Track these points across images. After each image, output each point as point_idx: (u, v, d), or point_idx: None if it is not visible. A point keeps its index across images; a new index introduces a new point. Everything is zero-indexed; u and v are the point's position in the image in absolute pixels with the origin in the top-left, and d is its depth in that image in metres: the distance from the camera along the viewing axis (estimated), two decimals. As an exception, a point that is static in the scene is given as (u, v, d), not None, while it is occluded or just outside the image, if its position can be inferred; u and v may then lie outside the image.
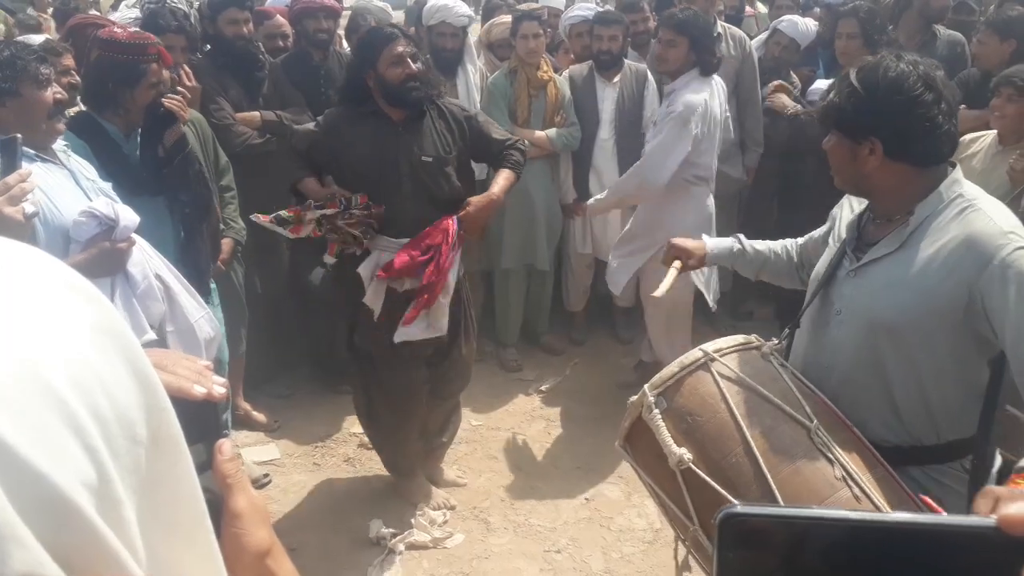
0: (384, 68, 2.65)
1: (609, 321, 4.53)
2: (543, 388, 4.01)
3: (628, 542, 2.99)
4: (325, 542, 2.95)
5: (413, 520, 3.02)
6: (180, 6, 4.07)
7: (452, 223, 2.74)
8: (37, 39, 3.11)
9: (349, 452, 3.49)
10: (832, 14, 4.15)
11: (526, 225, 4.01)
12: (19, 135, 1.82)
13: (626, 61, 4.01)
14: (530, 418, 3.78)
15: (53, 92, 2.14)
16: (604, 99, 3.98)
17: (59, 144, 2.28)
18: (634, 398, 1.68)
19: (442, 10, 3.92)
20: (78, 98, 2.96)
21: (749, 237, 2.16)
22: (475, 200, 2.80)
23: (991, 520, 0.41)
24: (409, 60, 2.66)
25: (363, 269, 2.75)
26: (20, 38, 3.38)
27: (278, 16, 4.00)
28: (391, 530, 2.98)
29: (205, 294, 2.97)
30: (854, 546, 0.43)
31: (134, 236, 2.19)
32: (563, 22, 4.35)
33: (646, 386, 1.66)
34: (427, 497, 3.12)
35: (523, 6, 4.15)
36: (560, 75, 4.06)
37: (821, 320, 1.75)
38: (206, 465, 0.63)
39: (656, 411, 1.60)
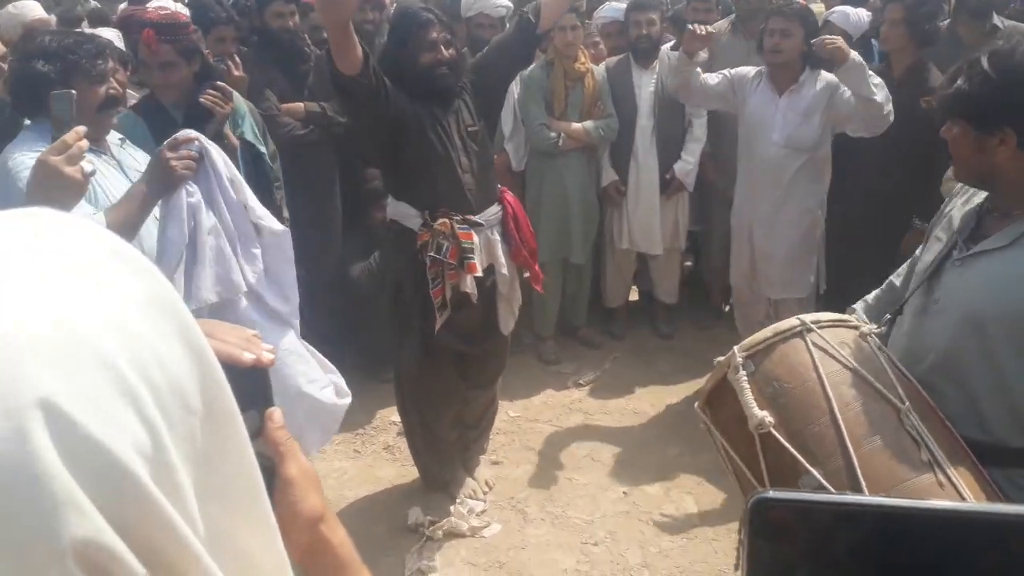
0: (416, 53, 2.65)
1: (650, 316, 4.49)
2: (582, 381, 3.99)
3: (666, 536, 2.97)
4: (364, 528, 2.98)
5: (452, 508, 3.04)
6: None
7: (508, 195, 2.85)
8: (109, 33, 3.18)
9: (389, 440, 3.52)
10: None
11: (561, 218, 4.00)
12: (74, 91, 1.80)
13: (664, 48, 3.97)
14: (568, 411, 3.77)
15: (107, 87, 2.14)
16: (641, 86, 3.95)
17: (114, 136, 2.33)
18: (721, 358, 1.66)
19: (480, 1, 3.93)
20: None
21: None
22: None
23: None
24: (442, 46, 2.66)
25: (483, 254, 2.73)
26: (90, 31, 3.46)
27: (323, 8, 4.03)
28: (429, 518, 3.00)
29: None
30: (891, 534, 0.41)
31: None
32: (594, 21, 4.32)
33: (736, 347, 1.64)
34: (461, 486, 3.13)
35: None
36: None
37: (921, 308, 1.70)
38: (258, 432, 0.64)
39: (743, 372, 1.58)
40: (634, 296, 4.60)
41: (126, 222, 1.89)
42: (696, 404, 1.75)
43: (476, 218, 2.72)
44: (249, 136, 3.01)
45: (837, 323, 1.66)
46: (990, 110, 1.52)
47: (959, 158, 1.62)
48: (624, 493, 3.20)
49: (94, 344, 0.37)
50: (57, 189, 1.62)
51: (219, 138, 2.79)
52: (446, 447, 3.11)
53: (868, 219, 3.49)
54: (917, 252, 1.88)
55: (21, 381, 0.34)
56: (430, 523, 2.98)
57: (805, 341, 1.59)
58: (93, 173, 1.75)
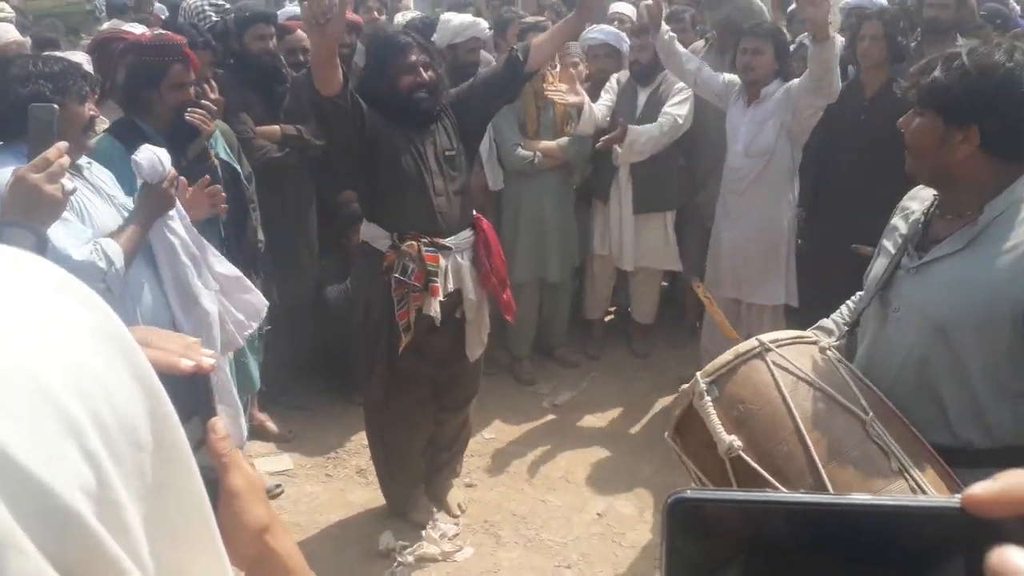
0: (395, 76, 2.66)
1: (626, 335, 4.51)
2: (557, 402, 3.99)
3: (640, 559, 2.96)
4: (336, 553, 2.96)
5: (423, 533, 3.02)
6: (209, 12, 4.16)
7: (483, 221, 2.85)
8: (78, 57, 3.19)
9: (362, 463, 3.49)
10: (856, 19, 4.09)
11: (539, 238, 4.01)
12: (56, 106, 1.74)
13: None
14: (544, 431, 3.76)
15: (88, 108, 2.16)
16: (640, 105, 3.99)
17: (82, 159, 2.33)
18: (686, 386, 1.66)
19: (471, 27, 3.97)
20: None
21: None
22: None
23: (955, 500, 0.39)
24: (421, 69, 2.67)
25: (449, 278, 2.73)
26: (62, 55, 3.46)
27: (299, 31, 4.05)
28: (401, 542, 2.98)
29: None
30: (815, 530, 0.41)
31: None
32: (581, 41, 4.36)
33: (698, 373, 1.64)
34: (423, 514, 3.10)
35: (530, 19, 4.16)
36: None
37: (879, 318, 1.71)
38: (200, 442, 0.62)
39: (708, 398, 1.59)
40: (610, 316, 4.62)
41: (135, 249, 2.05)
42: (666, 434, 1.75)
43: (445, 242, 2.72)
44: (223, 155, 3.02)
45: (796, 340, 1.67)
46: (963, 104, 1.51)
47: (918, 149, 1.61)
48: (598, 515, 3.19)
49: (39, 379, 0.37)
50: (36, 207, 1.59)
51: (204, 156, 2.80)
52: (412, 474, 3.09)
53: (843, 236, 3.53)
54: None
55: None
56: (402, 548, 2.95)
57: (766, 361, 1.59)
58: (74, 191, 1.74)
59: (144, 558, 0.40)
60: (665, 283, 4.56)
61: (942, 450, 1.56)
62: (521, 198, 4.01)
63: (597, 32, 4.26)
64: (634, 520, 3.16)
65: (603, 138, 3.80)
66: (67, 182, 1.65)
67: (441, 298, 2.67)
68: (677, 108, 3.86)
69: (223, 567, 0.50)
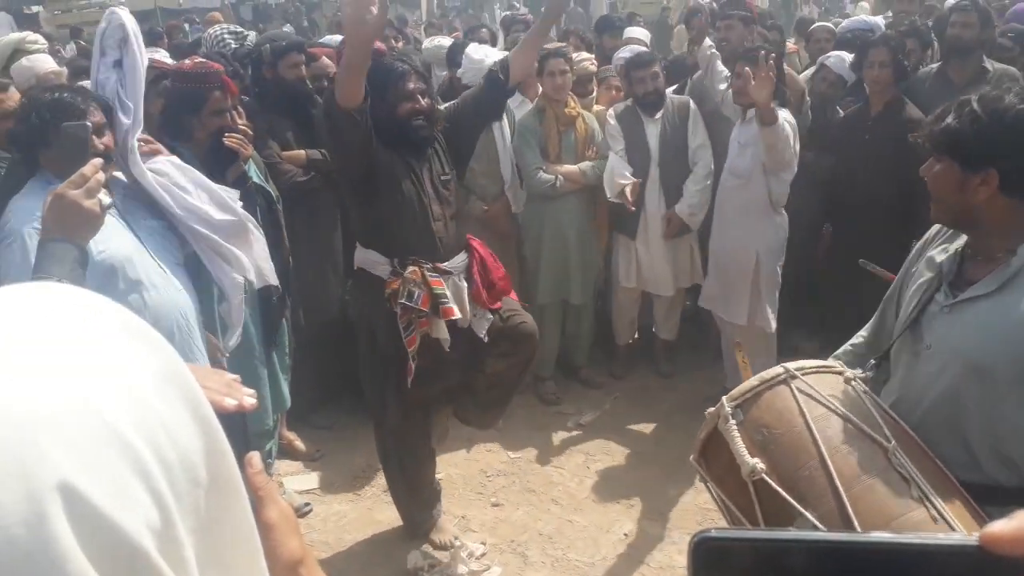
0: (394, 102, 2.67)
1: (650, 355, 4.50)
2: (582, 421, 3.99)
3: (668, 579, 2.94)
4: (364, 572, 2.97)
5: (451, 552, 3.02)
6: (228, 39, 4.27)
7: (475, 241, 2.86)
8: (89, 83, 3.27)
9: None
10: (861, 42, 4.12)
11: (561, 260, 4.03)
12: (89, 123, 1.77)
13: (668, 94, 4.05)
14: (569, 451, 3.76)
15: (102, 139, 2.13)
16: (650, 136, 4.00)
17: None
18: (711, 409, 1.69)
19: (488, 58, 4.02)
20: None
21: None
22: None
23: (974, 539, 0.39)
24: (419, 96, 2.69)
25: (453, 303, 2.71)
26: (79, 84, 3.55)
27: (324, 58, 4.14)
28: (429, 561, 2.98)
29: (279, 319, 3.17)
30: (838, 568, 0.42)
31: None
32: (615, 61, 4.41)
33: (724, 398, 1.67)
34: (447, 536, 3.09)
35: (551, 45, 4.19)
36: (605, 110, 4.12)
37: (910, 353, 1.72)
38: None
39: (732, 422, 1.61)
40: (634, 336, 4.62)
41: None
42: (691, 456, 1.77)
43: (444, 266, 2.73)
44: (255, 179, 3.09)
45: (821, 369, 1.69)
46: (977, 150, 1.54)
47: (939, 196, 1.63)
48: (625, 535, 3.18)
49: (109, 421, 0.38)
50: (76, 222, 1.61)
51: (243, 180, 2.86)
52: (429, 495, 3.10)
53: (855, 252, 3.55)
54: (887, 296, 1.90)
55: (40, 463, 0.35)
56: (430, 567, 2.96)
57: (790, 388, 1.62)
58: (111, 206, 1.75)
59: None
60: (688, 302, 4.56)
61: (971, 487, 1.56)
62: (544, 221, 4.03)
63: (627, 51, 4.31)
64: (661, 542, 3.14)
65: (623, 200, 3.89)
66: (104, 197, 1.67)
67: (457, 316, 2.68)
68: (703, 155, 3.97)
69: None
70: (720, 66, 3.84)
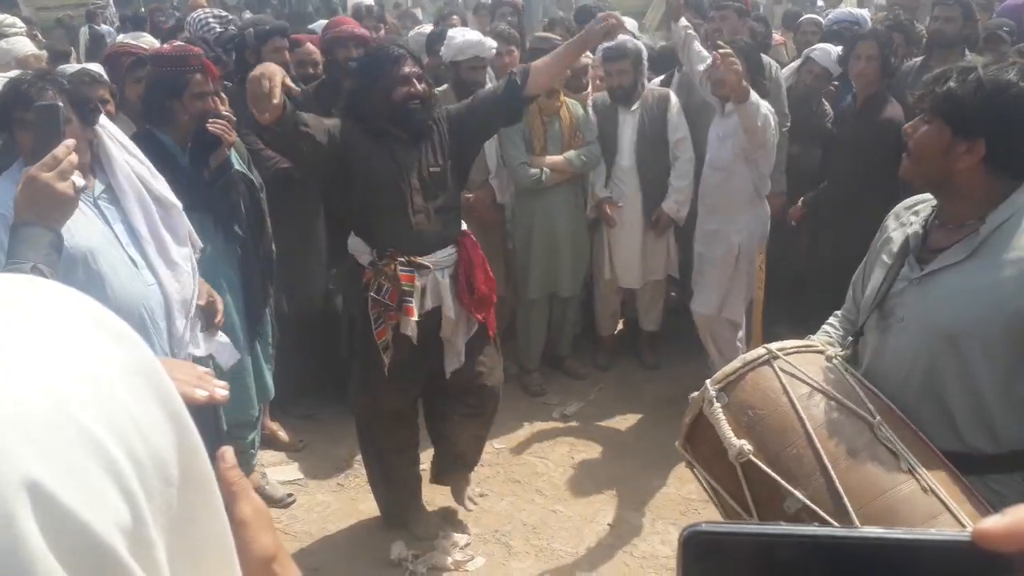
0: (389, 87, 2.65)
1: (635, 346, 4.51)
2: (567, 412, 3.99)
3: (651, 569, 2.95)
4: (347, 563, 2.96)
5: (435, 543, 3.02)
6: (213, 23, 4.22)
7: (467, 240, 2.82)
8: (70, 68, 3.22)
9: (372, 473, 3.50)
10: (850, 36, 4.13)
11: (551, 253, 4.02)
12: (60, 103, 1.72)
13: (648, 85, 4.04)
14: (553, 442, 3.76)
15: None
16: (624, 125, 4.00)
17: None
18: (696, 393, 1.69)
19: (475, 45, 3.97)
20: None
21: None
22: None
23: (966, 534, 0.39)
24: (415, 80, 2.67)
25: (428, 296, 2.71)
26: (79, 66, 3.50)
27: (308, 44, 4.10)
28: (413, 551, 2.97)
29: (262, 308, 3.08)
30: (828, 562, 0.41)
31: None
32: (599, 51, 4.39)
33: (708, 381, 1.67)
34: (423, 524, 3.09)
35: (541, 35, 4.16)
36: (586, 101, 4.10)
37: (881, 329, 1.73)
38: None
39: (717, 405, 1.61)
40: (619, 327, 4.62)
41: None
42: (677, 442, 1.77)
43: (424, 259, 2.69)
44: (238, 166, 3.05)
45: (802, 349, 1.70)
46: (973, 117, 1.54)
47: (921, 156, 1.63)
48: (609, 525, 3.19)
49: (78, 418, 0.37)
50: (49, 206, 1.57)
51: (228, 166, 2.82)
52: (409, 486, 3.09)
53: (839, 241, 3.58)
54: (854, 278, 1.93)
55: (6, 461, 0.34)
56: (413, 557, 2.95)
57: (773, 368, 1.62)
58: (84, 188, 1.71)
59: None
60: (674, 293, 4.57)
61: (950, 456, 1.58)
62: (533, 215, 4.00)
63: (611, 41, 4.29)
64: (645, 531, 3.15)
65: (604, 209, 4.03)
66: (78, 179, 1.62)
67: (415, 318, 2.66)
68: (684, 148, 3.98)
69: None
70: (698, 46, 3.76)
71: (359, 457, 3.60)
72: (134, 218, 2.11)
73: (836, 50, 4.14)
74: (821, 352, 1.70)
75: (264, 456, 3.54)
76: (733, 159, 3.57)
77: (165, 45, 2.90)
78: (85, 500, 0.36)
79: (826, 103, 4.24)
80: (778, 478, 1.51)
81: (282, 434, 3.69)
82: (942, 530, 0.42)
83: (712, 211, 3.75)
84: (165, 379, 0.44)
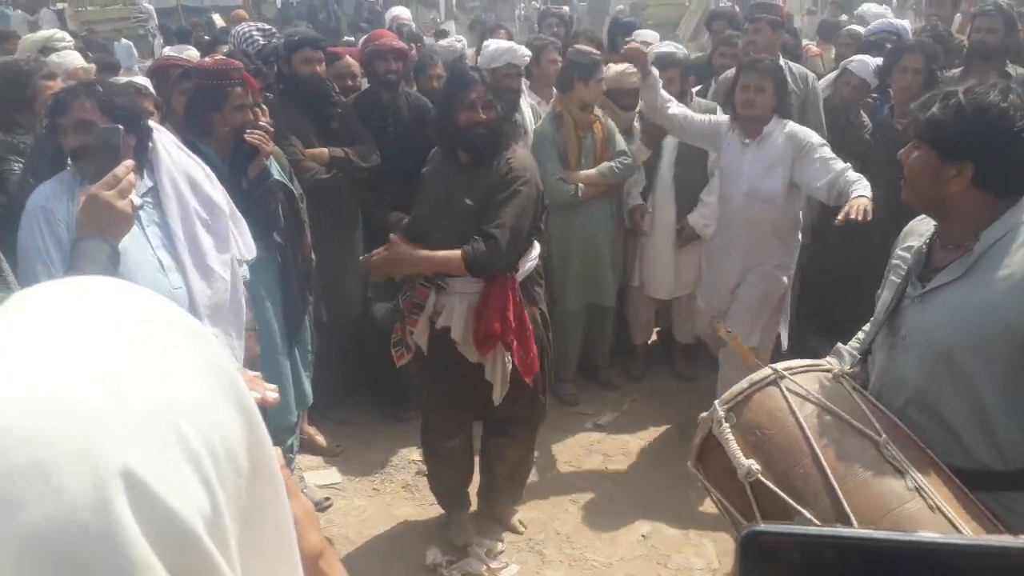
0: (457, 111, 2.74)
1: (669, 357, 4.50)
2: (600, 422, 4.00)
3: (685, 580, 2.95)
4: (383, 567, 2.99)
5: (470, 550, 3.04)
6: (257, 37, 4.31)
7: (509, 282, 2.77)
8: (141, 80, 3.32)
9: (408, 479, 3.54)
10: (894, 48, 4.08)
11: (592, 264, 4.02)
12: (121, 126, 1.81)
13: (696, 99, 4.05)
14: (587, 452, 3.77)
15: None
16: (666, 139, 4.01)
17: None
18: (705, 414, 1.72)
19: (508, 52, 4.04)
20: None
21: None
22: (396, 251, 2.74)
23: (1020, 541, 0.41)
24: (480, 107, 2.72)
25: (441, 316, 2.79)
26: (126, 79, 3.60)
27: (348, 57, 4.17)
28: (448, 557, 3.00)
29: (301, 316, 3.15)
30: (882, 566, 0.43)
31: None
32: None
33: (716, 401, 1.70)
34: (466, 538, 3.11)
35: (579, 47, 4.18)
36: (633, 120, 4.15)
37: (888, 346, 1.76)
38: None
39: (726, 425, 1.65)
40: (653, 337, 4.62)
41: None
42: (689, 462, 1.80)
43: (446, 281, 2.77)
44: (277, 175, 3.10)
45: (809, 368, 1.72)
46: (957, 141, 1.59)
47: (914, 181, 1.68)
48: (643, 536, 3.18)
49: (165, 413, 0.40)
50: (109, 222, 1.67)
51: (265, 176, 2.89)
52: (451, 491, 3.16)
53: (864, 253, 3.53)
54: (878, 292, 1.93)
55: (104, 452, 0.37)
56: (448, 563, 2.98)
57: (780, 388, 1.65)
58: (141, 206, 1.81)
59: (238, 573, 0.43)
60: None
61: (961, 473, 1.58)
62: (571, 229, 3.97)
63: (663, 46, 4.32)
64: (679, 543, 3.14)
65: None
66: (135, 197, 1.72)
67: (413, 331, 2.82)
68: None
69: None
70: (664, 94, 3.60)
71: (395, 462, 3.66)
72: (172, 221, 2.14)
73: (874, 62, 4.11)
74: (828, 371, 1.72)
75: (302, 460, 3.60)
76: (783, 186, 3.35)
77: (207, 59, 2.97)
78: (172, 488, 0.39)
79: (864, 115, 4.21)
80: (786, 497, 1.54)
81: (320, 439, 3.75)
82: (998, 537, 0.44)
83: (752, 247, 3.46)
84: (236, 377, 0.47)
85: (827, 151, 3.26)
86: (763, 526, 0.45)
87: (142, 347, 0.43)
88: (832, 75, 4.45)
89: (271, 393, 0.76)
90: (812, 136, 3.33)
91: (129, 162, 1.72)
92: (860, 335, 2.01)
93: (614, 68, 4.10)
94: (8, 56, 3.89)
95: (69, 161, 2.13)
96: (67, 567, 0.35)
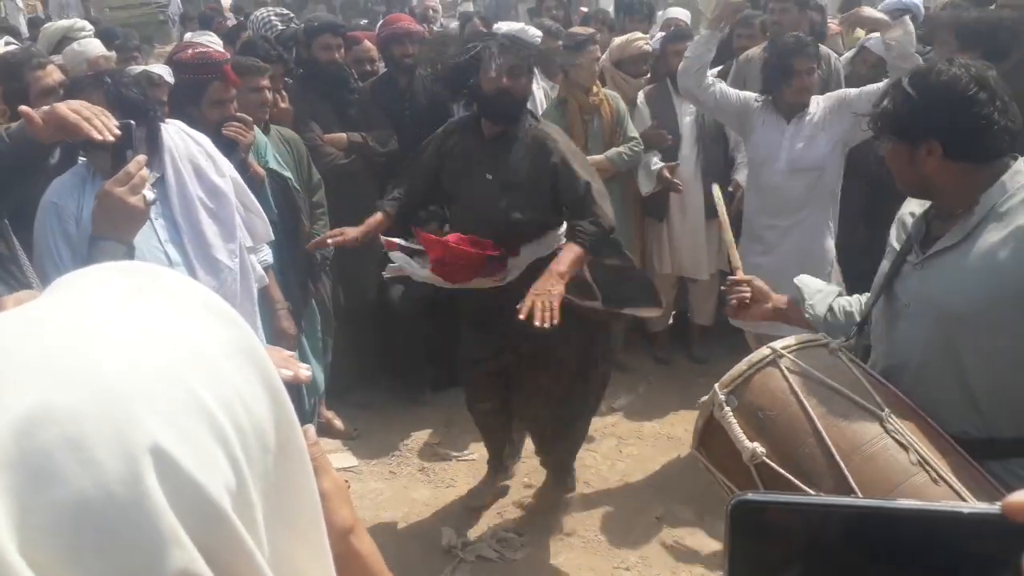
0: (482, 77, 2.64)
1: (685, 340, 4.50)
2: (615, 405, 4.01)
3: (700, 563, 2.97)
4: (398, 549, 3.04)
5: (485, 531, 3.08)
6: (275, 21, 4.33)
7: (501, 267, 2.73)
8: (160, 69, 3.33)
9: (424, 462, 3.58)
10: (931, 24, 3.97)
11: None
12: (132, 122, 1.80)
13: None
14: (601, 435, 3.79)
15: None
16: (683, 115, 3.99)
17: None
18: (705, 398, 1.73)
19: (518, 33, 4.02)
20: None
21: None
22: (539, 286, 2.48)
23: (996, 507, 0.41)
24: (506, 74, 2.61)
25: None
26: (142, 68, 3.62)
27: (366, 41, 4.18)
28: (462, 540, 3.04)
29: (302, 306, 3.14)
30: (868, 533, 0.43)
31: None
32: (653, 42, 4.38)
33: (716, 385, 1.70)
34: (479, 499, 3.20)
35: (580, 30, 4.14)
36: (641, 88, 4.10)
37: (890, 316, 1.75)
38: None
39: (727, 408, 1.64)
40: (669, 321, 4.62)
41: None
42: (691, 447, 1.81)
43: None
44: (273, 164, 3.08)
45: (806, 344, 1.72)
46: (913, 125, 1.64)
47: (896, 171, 1.72)
48: (657, 518, 3.20)
49: (193, 391, 0.42)
50: (122, 219, 1.69)
51: (243, 169, 2.86)
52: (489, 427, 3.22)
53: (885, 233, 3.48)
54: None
55: (134, 427, 0.39)
56: (463, 545, 3.02)
57: (779, 367, 1.65)
58: (154, 201, 1.81)
59: (265, 550, 0.45)
60: (724, 286, 4.53)
61: (971, 443, 1.59)
62: None
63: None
64: (693, 524, 3.16)
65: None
66: (148, 193, 1.73)
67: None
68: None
69: (327, 558, 0.55)
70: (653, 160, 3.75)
71: (412, 445, 3.71)
72: (176, 213, 2.14)
73: None
74: (825, 345, 1.72)
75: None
76: (829, 152, 3.27)
77: (188, 51, 2.91)
78: (199, 464, 0.41)
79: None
80: (792, 478, 1.54)
81: (337, 422, 3.80)
82: (975, 504, 0.45)
83: (794, 226, 3.36)
84: (265, 357, 0.49)
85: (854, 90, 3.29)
86: (751, 495, 0.46)
87: (173, 327, 0.45)
88: (850, 53, 4.38)
89: (304, 371, 0.79)
90: (849, 91, 3.35)
91: (141, 157, 1.73)
92: (845, 300, 2.00)
93: (619, 39, 4.08)
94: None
95: (82, 154, 2.15)
96: (100, 537, 0.37)
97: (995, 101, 1.58)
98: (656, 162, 3.93)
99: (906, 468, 1.50)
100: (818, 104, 3.34)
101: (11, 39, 4.04)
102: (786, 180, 3.34)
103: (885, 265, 1.82)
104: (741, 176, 3.93)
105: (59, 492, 0.37)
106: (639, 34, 4.38)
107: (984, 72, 1.61)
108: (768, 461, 1.57)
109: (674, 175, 3.86)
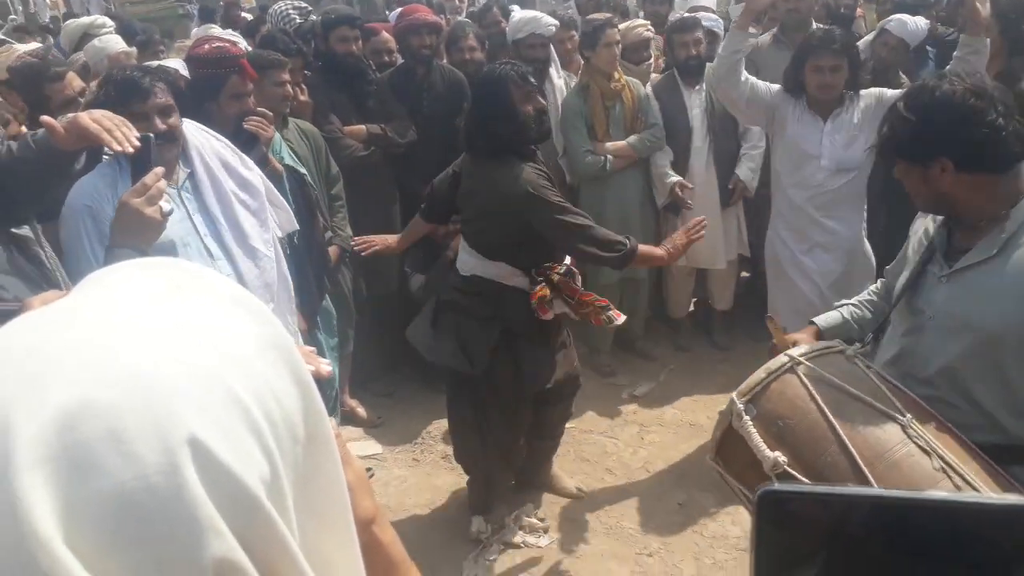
0: (519, 102, 2.63)
1: (706, 328, 4.49)
2: (636, 393, 4.02)
3: (721, 549, 2.98)
4: (422, 535, 3.08)
5: (508, 519, 3.11)
6: (294, 14, 4.34)
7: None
8: (176, 63, 3.35)
9: (447, 449, 3.60)
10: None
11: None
12: (152, 135, 1.83)
13: (708, 66, 3.99)
14: (623, 423, 3.80)
15: (168, 120, 2.12)
16: (692, 107, 3.97)
17: None
18: (723, 408, 1.71)
19: (531, 22, 4.01)
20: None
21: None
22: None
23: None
24: (537, 95, 2.70)
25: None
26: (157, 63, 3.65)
27: (384, 32, 4.18)
28: (492, 527, 3.07)
29: (318, 300, 3.15)
30: (892, 524, 0.44)
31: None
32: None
33: (734, 394, 1.68)
34: (509, 509, 3.17)
35: (598, 16, 4.11)
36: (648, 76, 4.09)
37: (911, 327, 1.74)
38: None
39: (747, 418, 1.62)
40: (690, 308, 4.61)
41: None
42: (708, 457, 1.79)
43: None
44: (288, 160, 3.09)
45: (823, 351, 1.70)
46: (919, 147, 1.62)
47: (913, 192, 1.70)
48: (679, 504, 3.22)
49: (227, 384, 0.44)
50: (139, 229, 1.73)
51: (263, 163, 2.88)
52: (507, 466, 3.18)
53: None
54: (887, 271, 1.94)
55: (172, 420, 0.41)
56: (489, 532, 3.05)
57: (797, 375, 1.63)
58: (171, 212, 1.84)
59: (295, 535, 0.47)
60: (747, 273, 4.52)
61: (993, 448, 1.57)
62: (604, 202, 3.95)
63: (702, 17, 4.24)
64: (715, 511, 3.17)
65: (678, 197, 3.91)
66: (165, 204, 1.77)
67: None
68: (759, 137, 3.90)
69: (354, 548, 0.57)
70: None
71: (434, 433, 3.74)
72: (211, 205, 2.18)
73: (914, 20, 3.98)
74: (841, 352, 1.70)
75: (344, 432, 3.70)
76: (867, 154, 3.10)
77: (205, 46, 2.92)
78: (235, 455, 0.42)
79: (903, 76, 4.09)
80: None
81: (361, 411, 3.84)
82: (1004, 495, 0.45)
83: (838, 223, 3.32)
84: (295, 352, 0.50)
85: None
86: (778, 486, 0.46)
87: (207, 322, 0.47)
88: (870, 36, 4.32)
89: (325, 366, 0.81)
90: (885, 92, 3.23)
91: (159, 169, 1.77)
92: (856, 309, 1.99)
93: (620, 25, 4.06)
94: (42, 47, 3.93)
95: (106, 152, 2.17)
96: (141, 527, 0.39)
97: (995, 108, 1.55)
98: (670, 175, 3.94)
99: (930, 474, 1.48)
100: (855, 102, 3.24)
101: (43, 38, 4.07)
102: (828, 178, 3.28)
103: (903, 276, 1.80)
104: (742, 171, 3.92)
105: (101, 484, 0.38)
106: (640, 20, 4.40)
107: (977, 82, 1.59)
108: (791, 471, 1.55)
109: (686, 191, 3.89)
